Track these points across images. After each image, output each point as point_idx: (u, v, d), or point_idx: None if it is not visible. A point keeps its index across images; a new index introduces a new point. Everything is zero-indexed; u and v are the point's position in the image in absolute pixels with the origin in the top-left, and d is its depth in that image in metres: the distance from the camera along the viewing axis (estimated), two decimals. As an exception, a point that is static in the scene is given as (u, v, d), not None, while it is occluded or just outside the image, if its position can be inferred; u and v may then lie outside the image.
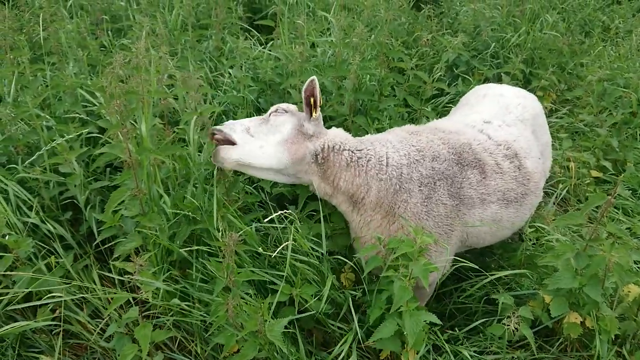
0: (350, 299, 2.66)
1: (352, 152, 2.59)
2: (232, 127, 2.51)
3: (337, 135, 2.65)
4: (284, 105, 2.59)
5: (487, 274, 2.84)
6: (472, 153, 2.73)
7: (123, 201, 2.49)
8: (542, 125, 3.24)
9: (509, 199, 2.78)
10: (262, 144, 2.48)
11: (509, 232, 2.98)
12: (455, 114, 3.29)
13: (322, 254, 2.74)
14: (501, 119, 3.02)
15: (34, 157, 2.91)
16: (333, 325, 2.70)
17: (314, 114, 2.54)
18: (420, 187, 2.58)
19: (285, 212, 2.70)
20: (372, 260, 2.54)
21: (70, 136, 2.85)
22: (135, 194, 2.42)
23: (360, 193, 2.59)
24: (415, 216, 2.57)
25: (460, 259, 2.79)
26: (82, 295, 2.59)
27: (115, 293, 2.49)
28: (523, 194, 2.84)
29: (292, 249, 2.57)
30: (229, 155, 2.49)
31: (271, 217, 2.60)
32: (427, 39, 4.60)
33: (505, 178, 2.76)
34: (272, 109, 2.60)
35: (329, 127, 2.75)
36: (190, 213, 2.63)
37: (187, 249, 2.62)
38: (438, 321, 2.35)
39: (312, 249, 2.71)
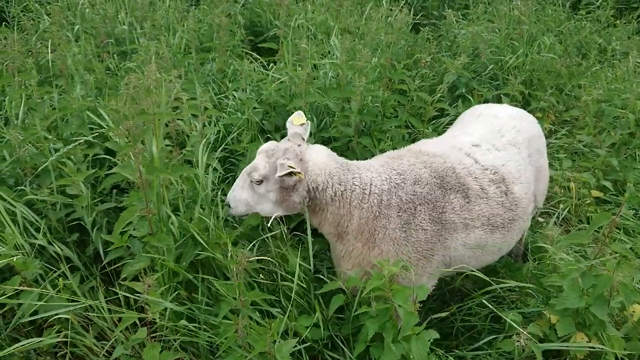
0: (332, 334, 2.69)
1: (336, 186, 2.59)
2: (237, 208, 2.69)
3: (318, 170, 2.59)
4: (255, 175, 2.58)
5: (494, 285, 2.79)
6: (456, 177, 2.71)
7: (130, 222, 2.50)
8: (539, 149, 3.16)
9: (495, 224, 2.75)
10: (262, 208, 2.69)
11: (496, 257, 2.94)
12: (447, 133, 3.26)
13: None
14: (491, 143, 2.96)
15: (46, 182, 2.94)
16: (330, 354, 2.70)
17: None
18: (399, 212, 2.58)
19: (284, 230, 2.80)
20: (351, 280, 2.54)
21: (74, 144, 2.85)
22: (144, 215, 2.43)
23: (344, 222, 2.63)
24: (394, 242, 2.58)
25: (469, 267, 2.75)
26: (87, 315, 2.59)
27: (123, 313, 2.49)
28: (510, 220, 2.80)
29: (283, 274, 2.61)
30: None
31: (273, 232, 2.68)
32: (427, 61, 4.67)
33: (490, 203, 2.73)
34: (247, 172, 2.62)
35: (333, 148, 2.75)
36: (197, 234, 2.64)
37: (193, 269, 2.64)
38: (437, 335, 2.34)
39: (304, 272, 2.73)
